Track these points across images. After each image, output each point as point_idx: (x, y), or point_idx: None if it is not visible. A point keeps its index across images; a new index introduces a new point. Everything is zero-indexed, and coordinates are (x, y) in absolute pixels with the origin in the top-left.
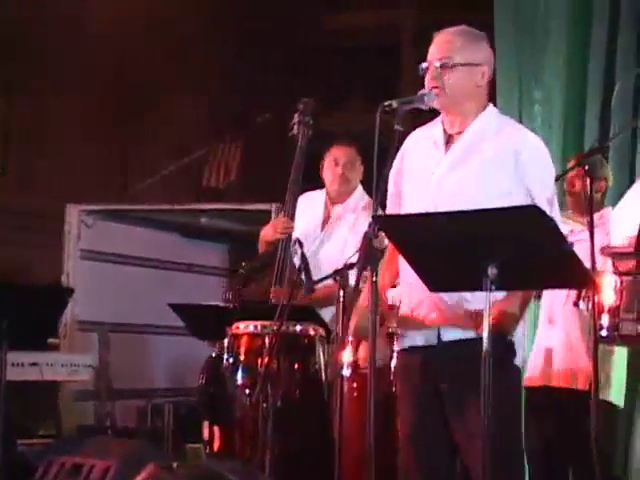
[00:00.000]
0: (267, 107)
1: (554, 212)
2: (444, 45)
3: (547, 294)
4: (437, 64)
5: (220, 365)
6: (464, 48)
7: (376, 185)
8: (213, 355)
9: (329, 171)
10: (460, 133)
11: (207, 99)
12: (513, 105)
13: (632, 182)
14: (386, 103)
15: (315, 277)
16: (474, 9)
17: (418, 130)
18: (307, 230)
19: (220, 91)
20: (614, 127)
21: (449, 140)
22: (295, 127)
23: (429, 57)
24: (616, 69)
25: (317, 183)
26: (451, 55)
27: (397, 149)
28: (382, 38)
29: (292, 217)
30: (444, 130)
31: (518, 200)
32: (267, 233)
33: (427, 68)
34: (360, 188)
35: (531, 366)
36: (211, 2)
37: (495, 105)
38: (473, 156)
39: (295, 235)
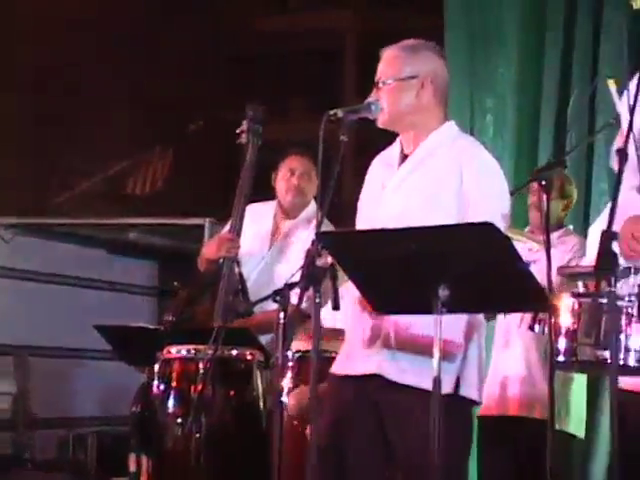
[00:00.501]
0: (199, 116)
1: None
2: (381, 64)
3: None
4: (378, 86)
5: (151, 392)
6: (395, 64)
7: (321, 199)
8: (146, 381)
9: (283, 181)
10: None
11: (135, 108)
12: (465, 114)
13: (589, 198)
14: (331, 112)
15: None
16: (422, 12)
17: (380, 155)
18: (252, 247)
19: (149, 100)
20: (570, 140)
21: (404, 159)
22: (244, 136)
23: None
24: (572, 79)
25: (263, 195)
26: (384, 73)
27: (342, 160)
28: (324, 42)
29: (239, 234)
30: (401, 150)
31: (461, 219)
32: (210, 250)
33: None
34: (313, 203)
35: (485, 394)
36: (144, 6)
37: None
38: (421, 173)
39: (241, 251)
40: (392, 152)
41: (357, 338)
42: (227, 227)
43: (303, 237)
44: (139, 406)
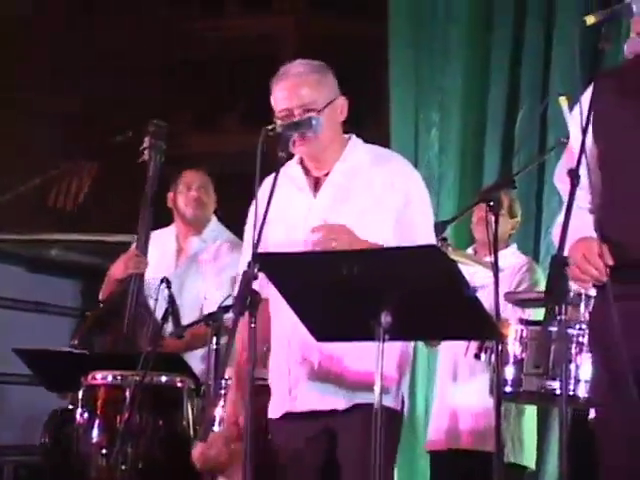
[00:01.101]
0: (128, 126)
1: None
2: (299, 89)
3: (449, 344)
4: (298, 111)
5: (72, 420)
6: (321, 87)
7: (255, 218)
8: (58, 409)
9: (182, 196)
10: (328, 174)
11: (60, 116)
12: (409, 127)
13: (540, 217)
14: (269, 127)
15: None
16: (361, 17)
17: (269, 178)
18: (157, 271)
19: (74, 107)
20: (518, 157)
21: (317, 182)
22: (146, 153)
23: (284, 104)
24: (520, 90)
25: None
26: (314, 98)
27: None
28: (259, 48)
29: (145, 252)
30: (306, 172)
31: (400, 242)
32: (117, 270)
33: (286, 116)
34: (215, 219)
35: (434, 427)
36: (65, 7)
37: (389, 130)
38: (345, 200)
39: (147, 275)
40: (293, 175)
41: (286, 372)
42: (133, 246)
43: (209, 256)
44: (47, 437)
